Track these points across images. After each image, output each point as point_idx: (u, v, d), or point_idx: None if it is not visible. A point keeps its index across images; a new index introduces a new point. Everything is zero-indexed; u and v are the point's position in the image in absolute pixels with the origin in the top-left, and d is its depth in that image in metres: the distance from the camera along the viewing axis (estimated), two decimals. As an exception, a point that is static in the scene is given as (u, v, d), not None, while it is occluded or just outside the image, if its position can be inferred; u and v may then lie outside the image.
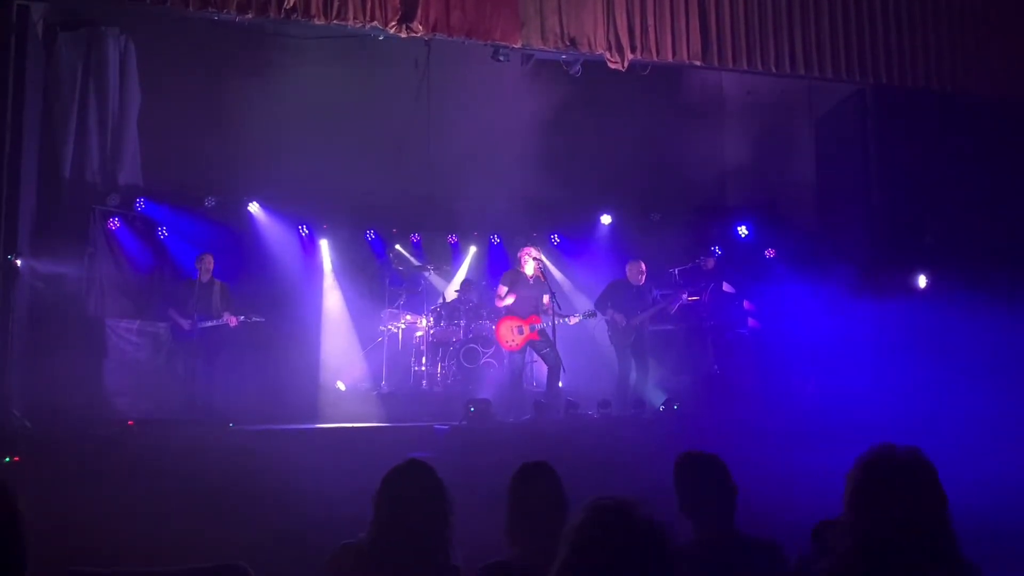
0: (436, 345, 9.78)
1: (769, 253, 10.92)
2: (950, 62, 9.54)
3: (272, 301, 9.40)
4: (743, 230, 11.00)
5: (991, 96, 9.65)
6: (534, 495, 3.10)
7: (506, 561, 3.03)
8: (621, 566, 1.73)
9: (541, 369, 9.04)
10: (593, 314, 8.87)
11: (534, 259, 8.61)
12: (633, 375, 8.95)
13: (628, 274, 9.19)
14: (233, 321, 8.54)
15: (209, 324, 8.54)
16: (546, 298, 8.50)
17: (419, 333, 9.93)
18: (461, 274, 10.98)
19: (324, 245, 10.68)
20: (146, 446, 6.42)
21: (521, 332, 8.53)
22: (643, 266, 9.14)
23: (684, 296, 9.31)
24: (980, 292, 8.56)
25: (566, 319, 8.64)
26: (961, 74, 9.55)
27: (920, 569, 2.13)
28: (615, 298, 9.00)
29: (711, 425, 7.51)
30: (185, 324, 8.51)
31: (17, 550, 1.86)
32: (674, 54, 8.65)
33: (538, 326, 8.50)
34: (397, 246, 10.88)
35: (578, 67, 8.83)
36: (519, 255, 8.75)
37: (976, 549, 3.08)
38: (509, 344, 8.61)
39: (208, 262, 8.81)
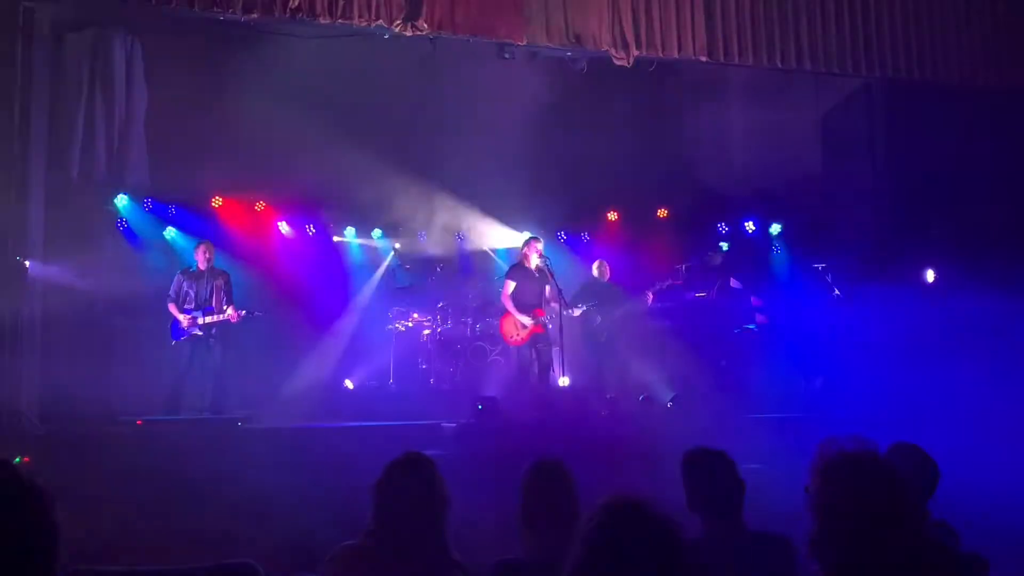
0: (444, 343, 9.79)
1: (776, 248, 10.90)
2: (957, 55, 9.50)
3: (278, 300, 9.41)
4: (750, 226, 10.99)
5: (999, 88, 9.61)
6: (547, 492, 3.10)
7: (518, 559, 3.04)
8: (636, 564, 1.74)
9: (548, 367, 9.06)
10: (594, 305, 8.96)
11: (538, 253, 8.66)
12: (614, 372, 9.24)
13: (596, 273, 9.62)
14: (235, 317, 8.33)
15: (210, 319, 8.36)
16: (548, 290, 8.56)
17: (426, 331, 9.94)
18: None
19: (331, 244, 10.70)
20: (155, 445, 6.45)
21: (524, 327, 8.56)
22: (607, 265, 9.65)
23: (650, 294, 9.40)
24: (988, 286, 8.52)
25: (570, 311, 8.68)
26: (968, 66, 9.51)
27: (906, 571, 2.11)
28: (589, 297, 9.10)
29: (719, 421, 7.49)
30: (184, 321, 8.34)
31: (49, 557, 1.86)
32: (680, 50, 8.63)
33: (542, 319, 8.55)
34: (397, 245, 10.89)
35: (583, 64, 8.83)
36: (524, 250, 8.78)
37: (981, 547, 3.09)
38: (513, 339, 8.66)
39: (207, 251, 8.57)
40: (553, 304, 8.58)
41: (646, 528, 1.77)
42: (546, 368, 8.62)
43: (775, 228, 11.00)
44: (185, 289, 8.47)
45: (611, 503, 1.83)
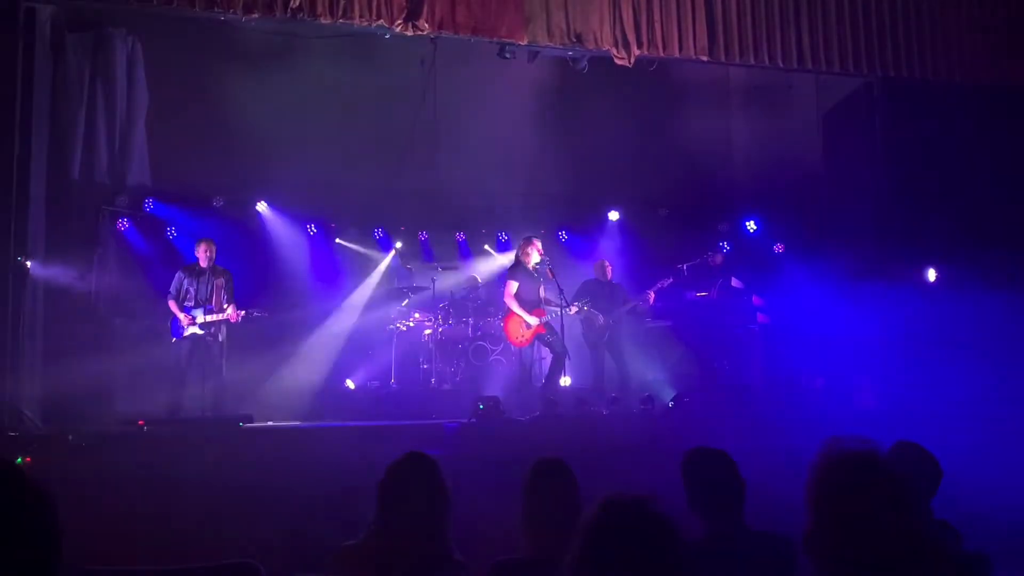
0: (445, 343, 9.79)
1: (778, 248, 10.89)
2: (958, 54, 9.50)
3: (280, 300, 9.40)
4: (751, 225, 10.98)
5: (1000, 87, 9.60)
6: (549, 491, 3.11)
7: (519, 558, 3.04)
8: (636, 562, 1.74)
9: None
10: (588, 302, 8.96)
11: (538, 251, 8.67)
12: (616, 371, 9.19)
13: (596, 273, 9.55)
14: (235, 316, 8.28)
15: (210, 318, 8.32)
16: (541, 290, 8.57)
17: (428, 331, 9.93)
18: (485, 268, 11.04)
19: (332, 244, 10.70)
20: (157, 446, 6.45)
21: (529, 327, 8.58)
22: (608, 264, 9.58)
23: (652, 294, 9.40)
24: (990, 284, 8.52)
25: (566, 309, 8.69)
26: (969, 64, 9.51)
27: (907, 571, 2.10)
28: (589, 297, 9.09)
29: (720, 421, 7.49)
30: (184, 320, 8.28)
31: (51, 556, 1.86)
32: (680, 49, 8.63)
33: (544, 319, 8.56)
34: (398, 244, 10.90)
35: (584, 63, 8.82)
36: (524, 249, 8.77)
37: (983, 547, 3.08)
38: (518, 340, 8.67)
39: (207, 248, 8.51)
40: (552, 305, 8.59)
41: (645, 527, 1.77)
42: (561, 358, 8.60)
43: (777, 227, 10.99)
44: (186, 287, 8.43)
45: (610, 502, 1.83)
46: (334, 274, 10.69)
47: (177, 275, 8.51)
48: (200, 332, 8.33)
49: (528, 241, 8.80)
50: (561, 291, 8.54)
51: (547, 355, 9.04)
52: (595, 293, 9.19)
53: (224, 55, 9.33)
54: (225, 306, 8.36)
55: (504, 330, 8.92)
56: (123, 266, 9.37)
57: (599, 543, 1.78)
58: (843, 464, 2.22)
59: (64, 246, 8.39)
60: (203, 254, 8.51)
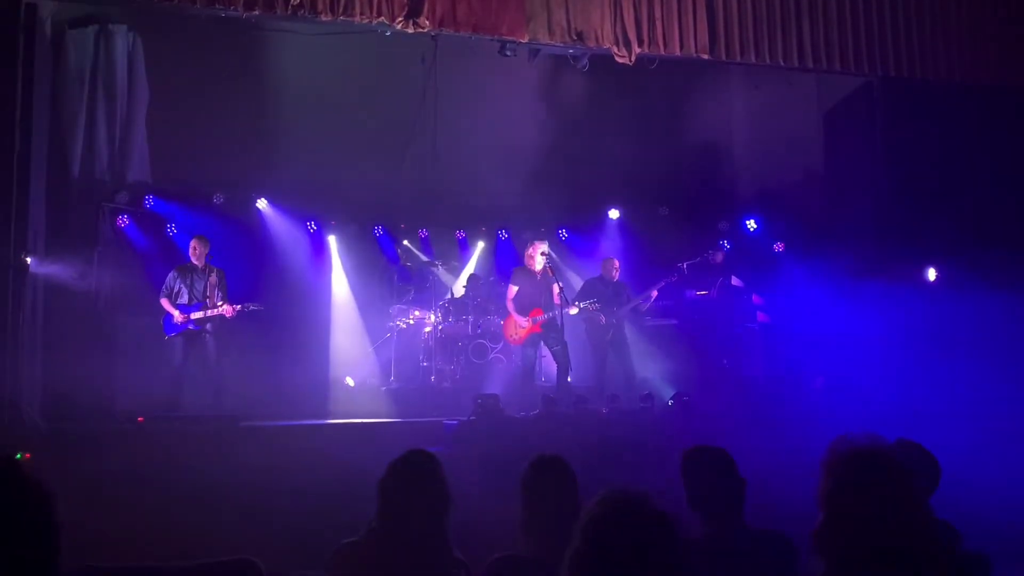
0: (445, 341, 9.79)
1: (778, 247, 10.89)
2: (958, 53, 9.49)
3: (281, 297, 9.40)
4: (752, 224, 10.98)
5: (1000, 86, 9.60)
6: (548, 488, 3.11)
7: (517, 554, 3.04)
8: (635, 558, 1.74)
9: (551, 364, 9.08)
10: (595, 303, 8.92)
11: (542, 254, 8.66)
12: (620, 370, 9.18)
13: (603, 271, 9.47)
14: (230, 311, 8.23)
15: (205, 314, 8.28)
16: (556, 289, 8.55)
17: (427, 329, 9.94)
18: (469, 269, 11.03)
19: (332, 241, 10.70)
20: (156, 442, 6.45)
21: (523, 325, 8.60)
22: (616, 263, 9.46)
23: (654, 293, 9.36)
24: (990, 284, 8.52)
25: (567, 309, 8.69)
26: (969, 64, 9.51)
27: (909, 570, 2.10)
28: (592, 295, 9.07)
29: (720, 419, 7.50)
30: (177, 316, 8.26)
31: (50, 552, 1.86)
32: (682, 48, 8.63)
33: (540, 318, 8.56)
34: (405, 242, 10.89)
35: (585, 61, 8.82)
36: (527, 252, 8.79)
37: (982, 547, 3.08)
38: (512, 338, 8.72)
39: (199, 246, 8.46)
40: (556, 303, 8.58)
41: (644, 522, 1.77)
42: (563, 368, 8.60)
43: (777, 226, 10.99)
44: (178, 285, 8.37)
45: (609, 498, 1.83)
46: (333, 271, 10.68)
47: (170, 274, 8.48)
48: (194, 329, 8.31)
49: (531, 244, 8.83)
50: (561, 289, 8.54)
51: (548, 353, 9.04)
52: (598, 292, 9.15)
53: (224, 52, 9.32)
54: (219, 303, 8.34)
55: (503, 328, 8.99)
56: (123, 263, 9.35)
57: (598, 538, 1.78)
58: (856, 461, 2.22)
59: (64, 243, 8.39)
60: (194, 251, 8.48)
